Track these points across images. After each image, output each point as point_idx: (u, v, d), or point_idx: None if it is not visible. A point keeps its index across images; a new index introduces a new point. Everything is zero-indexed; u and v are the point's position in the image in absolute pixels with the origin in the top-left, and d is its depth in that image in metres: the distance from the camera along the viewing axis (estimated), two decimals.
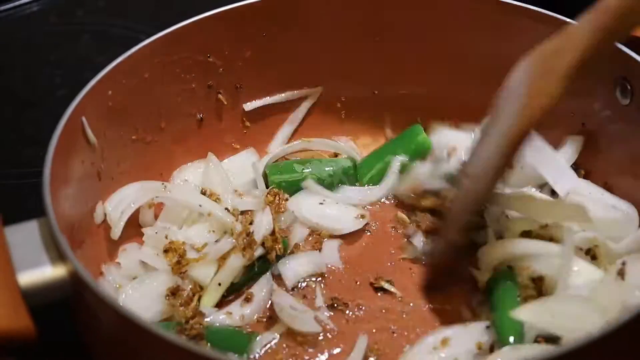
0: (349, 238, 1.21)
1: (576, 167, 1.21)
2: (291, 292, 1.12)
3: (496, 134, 0.95)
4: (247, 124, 1.33)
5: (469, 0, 1.25)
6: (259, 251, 1.11)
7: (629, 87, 1.09)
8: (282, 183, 1.23)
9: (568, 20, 1.12)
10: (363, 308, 1.10)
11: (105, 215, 1.13)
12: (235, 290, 1.11)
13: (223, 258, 1.10)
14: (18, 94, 1.59)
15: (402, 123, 1.33)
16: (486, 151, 0.97)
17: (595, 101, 1.17)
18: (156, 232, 1.14)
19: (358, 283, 1.14)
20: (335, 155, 1.32)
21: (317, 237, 1.20)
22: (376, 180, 1.27)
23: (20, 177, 1.37)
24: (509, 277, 1.05)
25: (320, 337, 1.06)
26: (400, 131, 1.32)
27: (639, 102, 1.09)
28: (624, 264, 0.99)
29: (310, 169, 1.25)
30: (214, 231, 1.15)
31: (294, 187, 1.23)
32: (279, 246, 1.12)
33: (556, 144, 1.20)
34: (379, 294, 1.12)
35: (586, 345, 0.79)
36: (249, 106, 1.32)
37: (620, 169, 1.16)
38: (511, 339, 0.97)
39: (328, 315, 1.09)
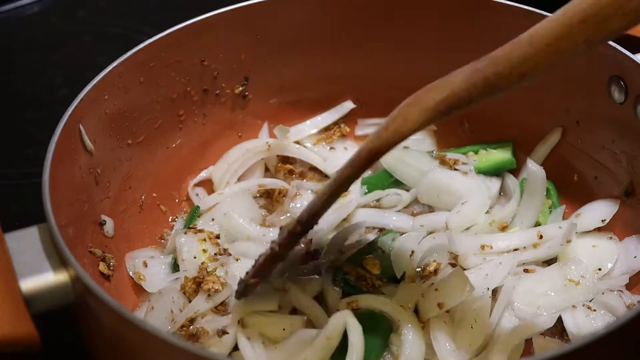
0: None
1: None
2: None
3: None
4: (244, 127, 1.33)
5: None
6: None
7: (623, 86, 1.09)
8: None
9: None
10: None
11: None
12: None
13: None
14: (19, 94, 1.60)
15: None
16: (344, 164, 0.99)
17: (590, 99, 1.17)
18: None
19: None
20: None
21: None
22: None
23: (23, 176, 1.39)
24: None
25: None
26: None
27: (633, 101, 1.09)
28: None
29: None
30: None
31: None
32: None
33: None
34: None
35: (588, 344, 0.79)
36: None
37: (612, 165, 1.18)
38: None
39: None
